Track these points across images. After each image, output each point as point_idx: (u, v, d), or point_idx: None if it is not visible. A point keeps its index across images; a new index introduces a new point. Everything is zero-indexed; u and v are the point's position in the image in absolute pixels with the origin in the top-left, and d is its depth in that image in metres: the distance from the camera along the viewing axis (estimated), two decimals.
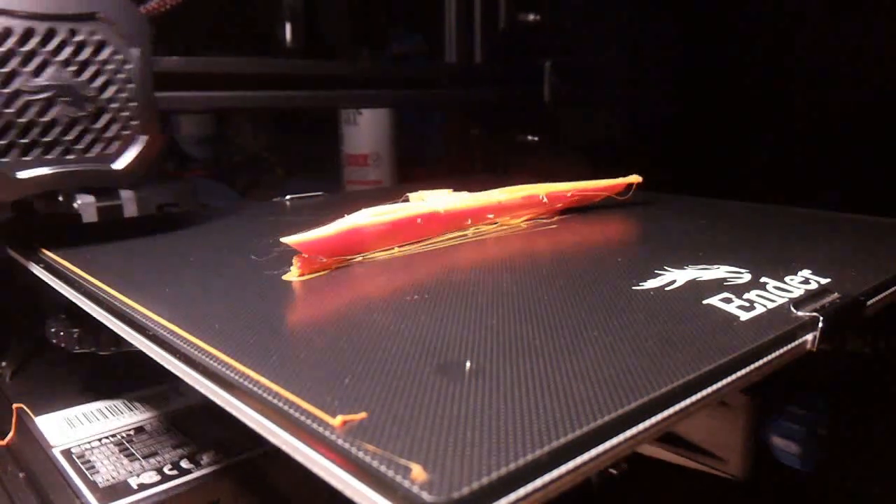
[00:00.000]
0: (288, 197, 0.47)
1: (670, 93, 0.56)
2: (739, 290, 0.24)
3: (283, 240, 0.26)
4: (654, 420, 0.16)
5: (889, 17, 0.44)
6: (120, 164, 0.33)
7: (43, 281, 0.30)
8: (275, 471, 0.30)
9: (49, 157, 0.31)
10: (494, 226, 0.34)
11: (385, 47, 0.75)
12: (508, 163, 0.68)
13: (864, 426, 0.33)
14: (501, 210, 0.34)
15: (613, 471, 0.30)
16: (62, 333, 0.33)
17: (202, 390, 0.19)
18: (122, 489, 0.28)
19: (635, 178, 0.39)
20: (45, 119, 0.30)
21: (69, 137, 0.31)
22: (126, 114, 0.33)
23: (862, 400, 0.34)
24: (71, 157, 0.32)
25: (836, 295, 0.23)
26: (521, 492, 0.13)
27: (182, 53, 0.61)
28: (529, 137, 0.67)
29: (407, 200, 0.32)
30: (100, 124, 0.32)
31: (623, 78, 0.59)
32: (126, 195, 0.45)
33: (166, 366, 0.20)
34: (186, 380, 0.19)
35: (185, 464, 0.30)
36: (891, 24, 0.44)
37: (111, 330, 0.24)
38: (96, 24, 0.31)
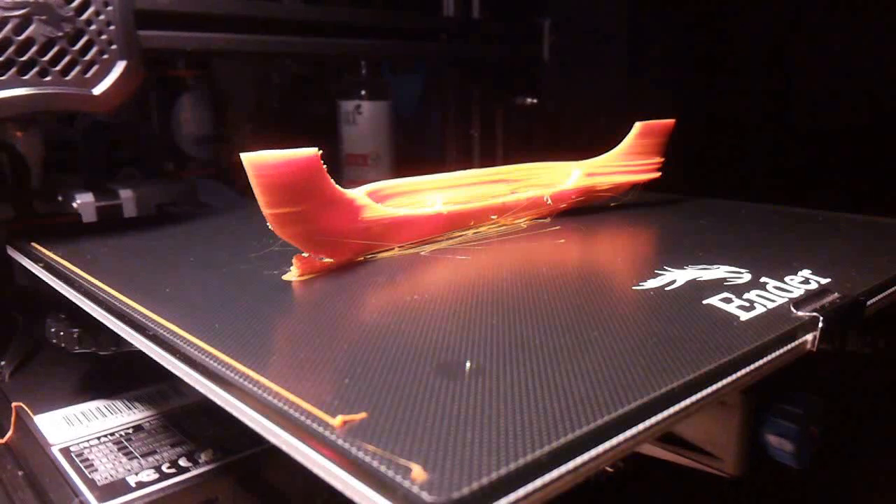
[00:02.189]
0: None
1: (670, 58, 0.55)
2: (739, 290, 0.24)
3: (242, 155, 0.24)
4: (654, 420, 0.16)
5: (890, 16, 0.44)
6: (99, 89, 0.33)
7: (43, 281, 0.30)
8: (272, 468, 0.30)
9: (26, 77, 0.31)
10: (495, 226, 0.34)
11: None
12: (508, 129, 0.66)
13: (858, 424, 0.33)
14: (505, 211, 0.34)
15: (609, 468, 0.30)
16: (62, 333, 0.33)
17: (202, 390, 0.19)
18: (121, 487, 0.28)
19: (671, 122, 0.40)
20: (21, 37, 0.30)
21: (46, 58, 0.31)
22: (105, 37, 0.33)
23: (856, 398, 0.34)
24: (48, 78, 0.31)
25: (836, 295, 0.23)
26: (521, 492, 0.13)
27: (183, 53, 0.62)
28: (528, 100, 0.65)
29: None
30: (77, 46, 0.32)
31: (623, 41, 0.58)
32: (125, 195, 0.45)
33: (166, 366, 0.20)
34: (187, 380, 0.19)
35: (183, 462, 0.30)
36: (891, 23, 0.44)
37: (111, 330, 0.24)
38: None
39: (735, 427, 0.26)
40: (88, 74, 0.33)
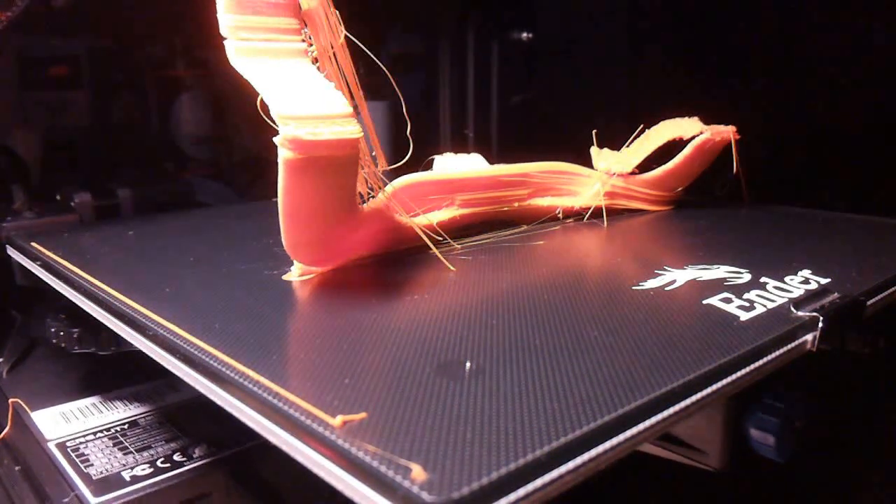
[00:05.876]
0: None
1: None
2: (739, 290, 0.24)
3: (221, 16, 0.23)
4: (654, 420, 0.16)
5: (890, 15, 0.44)
6: None
7: (41, 279, 0.30)
8: (266, 463, 0.30)
9: None
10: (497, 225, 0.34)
11: (383, 47, 0.75)
12: (502, 129, 0.65)
13: (841, 419, 0.33)
14: (516, 216, 0.34)
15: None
16: (62, 333, 0.33)
17: (202, 390, 0.19)
18: (116, 481, 0.28)
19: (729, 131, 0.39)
20: None
21: None
22: None
23: (856, 398, 0.34)
24: None
25: (836, 295, 0.23)
26: (521, 492, 0.13)
27: (182, 53, 0.62)
28: (524, 35, 0.63)
29: (430, 167, 0.32)
30: None
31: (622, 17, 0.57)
32: (124, 195, 0.45)
33: (166, 366, 0.20)
34: (186, 379, 0.19)
35: (177, 457, 0.30)
36: (892, 22, 0.44)
37: (111, 330, 0.24)
38: None
39: (720, 421, 0.26)
40: None
